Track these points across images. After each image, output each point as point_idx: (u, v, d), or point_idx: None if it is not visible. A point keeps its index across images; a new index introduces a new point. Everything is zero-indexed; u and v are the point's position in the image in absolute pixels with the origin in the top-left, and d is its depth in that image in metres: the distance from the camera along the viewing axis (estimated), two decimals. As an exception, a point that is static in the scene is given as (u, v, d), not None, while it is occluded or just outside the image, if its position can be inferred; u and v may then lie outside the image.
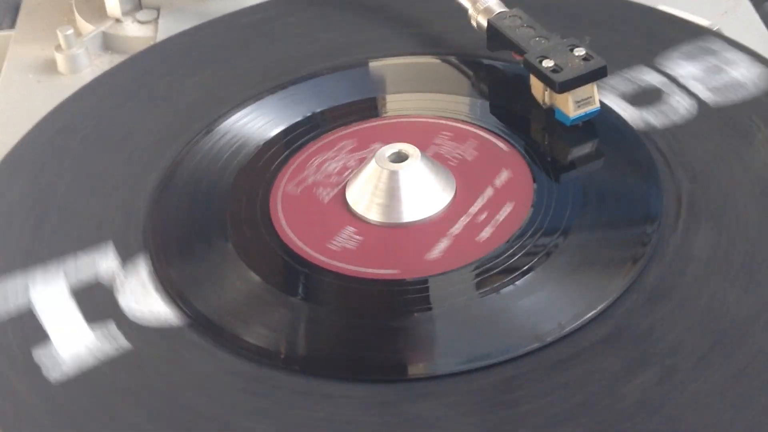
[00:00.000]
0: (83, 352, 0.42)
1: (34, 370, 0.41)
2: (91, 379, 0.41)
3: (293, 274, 0.45)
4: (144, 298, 0.44)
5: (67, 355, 0.42)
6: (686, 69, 0.52)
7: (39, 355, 0.42)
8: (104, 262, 0.46)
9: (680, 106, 0.50)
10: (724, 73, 0.51)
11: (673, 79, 0.52)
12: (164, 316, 0.43)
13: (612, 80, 0.51)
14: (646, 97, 0.51)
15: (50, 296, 0.44)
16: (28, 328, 0.43)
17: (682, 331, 0.39)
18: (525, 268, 0.43)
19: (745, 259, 0.42)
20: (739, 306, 0.40)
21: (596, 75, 0.48)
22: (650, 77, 0.52)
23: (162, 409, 0.39)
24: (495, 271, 0.43)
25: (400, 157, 0.47)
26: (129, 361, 0.41)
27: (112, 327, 0.42)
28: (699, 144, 0.48)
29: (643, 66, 0.53)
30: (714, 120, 0.49)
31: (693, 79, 0.51)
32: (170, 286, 0.44)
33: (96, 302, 0.44)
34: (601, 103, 0.49)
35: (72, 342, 0.42)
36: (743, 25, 0.63)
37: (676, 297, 0.41)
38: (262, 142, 0.52)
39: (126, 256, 0.46)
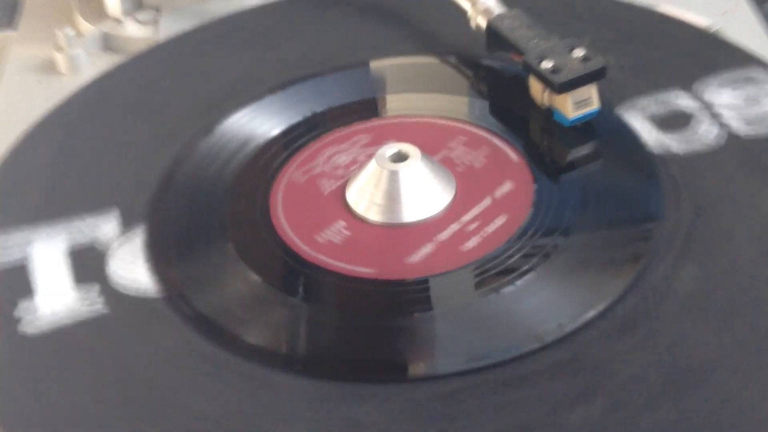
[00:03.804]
0: (62, 310, 0.43)
1: (13, 322, 0.43)
2: (63, 338, 0.42)
3: (293, 274, 0.45)
4: (131, 267, 0.45)
5: (47, 311, 0.43)
6: (724, 97, 0.50)
7: (21, 308, 0.43)
8: (105, 226, 0.47)
9: (707, 134, 0.48)
10: (761, 105, 0.49)
11: (707, 106, 0.50)
12: (145, 286, 0.44)
13: (643, 100, 0.50)
14: (674, 121, 0.49)
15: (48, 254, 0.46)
16: (20, 281, 0.44)
17: (641, 367, 0.38)
18: (525, 268, 0.43)
19: (727, 302, 0.40)
20: (705, 349, 0.39)
21: (596, 76, 0.48)
22: (684, 102, 0.50)
23: (123, 380, 0.40)
24: (495, 271, 0.43)
25: (400, 157, 0.47)
26: (103, 325, 0.43)
27: (95, 290, 0.44)
28: (714, 175, 0.46)
29: (680, 90, 0.51)
30: (738, 152, 0.47)
31: (728, 108, 0.49)
32: (169, 284, 0.44)
33: (87, 265, 0.45)
34: (624, 123, 0.49)
35: (55, 300, 0.44)
36: (743, 25, 0.63)
37: (644, 331, 0.40)
38: (262, 142, 0.52)
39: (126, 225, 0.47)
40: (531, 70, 0.50)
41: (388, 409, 0.38)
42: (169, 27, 0.65)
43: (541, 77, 0.49)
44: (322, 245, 0.45)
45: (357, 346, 0.42)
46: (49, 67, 0.65)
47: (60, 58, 0.64)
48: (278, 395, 0.39)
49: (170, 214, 0.48)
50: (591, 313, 0.40)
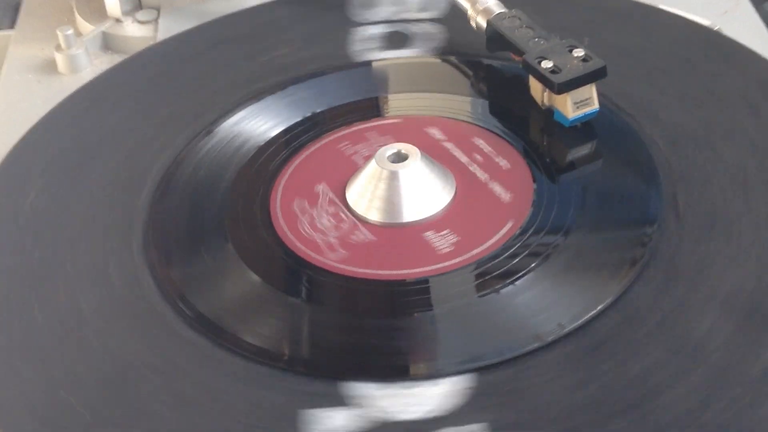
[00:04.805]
0: None
1: None
2: None
3: (293, 274, 0.45)
4: None
5: None
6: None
7: None
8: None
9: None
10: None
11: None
12: None
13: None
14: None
15: None
16: None
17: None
18: (525, 268, 0.43)
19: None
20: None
21: (595, 76, 0.48)
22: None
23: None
24: (495, 271, 0.43)
25: (399, 157, 0.47)
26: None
27: None
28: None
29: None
30: None
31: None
32: (171, 286, 0.44)
33: None
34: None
35: None
36: (743, 25, 0.63)
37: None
38: (262, 142, 0.52)
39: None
40: (531, 70, 0.50)
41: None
42: (169, 27, 0.65)
43: (541, 77, 0.49)
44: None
45: (357, 346, 0.42)
46: (49, 67, 0.65)
47: (60, 58, 0.64)
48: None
49: (170, 214, 0.48)
50: (590, 313, 0.41)
